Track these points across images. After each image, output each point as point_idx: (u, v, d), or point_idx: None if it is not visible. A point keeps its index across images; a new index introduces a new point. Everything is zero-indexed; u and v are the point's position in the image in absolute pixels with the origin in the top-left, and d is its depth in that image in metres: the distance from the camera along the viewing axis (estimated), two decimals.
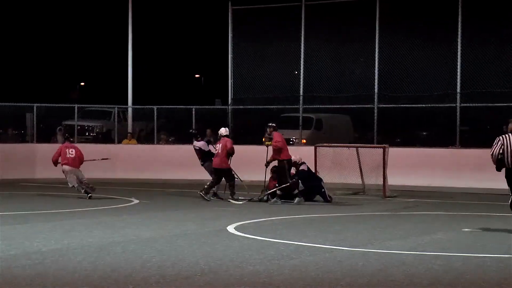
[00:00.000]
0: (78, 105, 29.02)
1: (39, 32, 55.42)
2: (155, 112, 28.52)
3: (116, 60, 38.90)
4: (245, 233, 13.12)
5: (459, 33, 24.01)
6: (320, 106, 27.44)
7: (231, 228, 13.77)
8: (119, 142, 28.50)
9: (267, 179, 19.82)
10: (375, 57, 25.18)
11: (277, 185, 19.07)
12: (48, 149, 26.37)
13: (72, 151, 20.04)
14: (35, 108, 27.50)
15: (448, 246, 11.97)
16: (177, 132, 32.15)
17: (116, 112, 31.12)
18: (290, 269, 9.89)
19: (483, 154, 22.87)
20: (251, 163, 22.68)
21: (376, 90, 25.20)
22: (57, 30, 56.22)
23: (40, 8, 55.45)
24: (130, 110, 29.79)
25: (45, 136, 28.22)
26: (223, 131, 19.84)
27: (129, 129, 29.50)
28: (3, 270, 9.63)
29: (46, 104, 28.52)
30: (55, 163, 20.05)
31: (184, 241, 12.29)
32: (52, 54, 56.58)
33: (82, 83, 63.83)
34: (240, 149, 24.68)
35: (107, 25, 51.10)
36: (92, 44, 56.61)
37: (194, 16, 54.10)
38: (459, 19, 23.95)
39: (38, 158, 25.64)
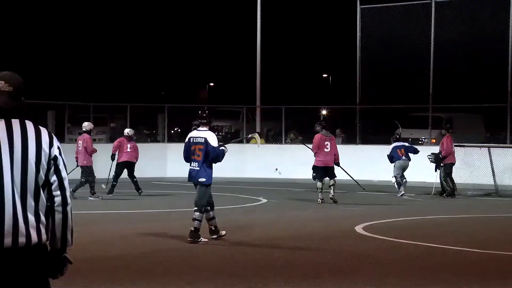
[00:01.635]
0: (208, 105, 29.49)
1: (169, 34, 56.63)
2: (283, 112, 28.66)
3: (244, 60, 39.31)
4: (373, 234, 13.00)
5: None
6: (451, 105, 26.92)
7: (359, 228, 13.67)
8: (248, 142, 28.81)
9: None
10: (508, 53, 24.48)
11: None
12: (178, 148, 26.97)
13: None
14: (166, 108, 28.11)
15: None
16: (305, 132, 32.18)
17: (244, 112, 31.46)
18: (420, 270, 9.73)
19: None
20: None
21: (509, 88, 24.50)
22: (187, 31, 57.31)
23: (171, 9, 56.64)
24: (258, 110, 30.05)
25: (176, 136, 28.82)
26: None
27: (257, 128, 29.76)
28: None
29: (177, 105, 29.13)
30: None
31: (312, 241, 12.27)
32: (182, 55, 57.73)
33: (211, 84, 64.86)
34: (367, 149, 24.63)
35: (236, 25, 51.72)
36: (221, 45, 57.45)
37: (322, 16, 54.06)
38: None
39: (169, 157, 26.20)
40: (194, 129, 12.62)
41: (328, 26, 52.44)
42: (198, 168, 11.72)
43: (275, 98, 37.67)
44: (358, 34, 27.58)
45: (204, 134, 11.79)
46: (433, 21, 25.90)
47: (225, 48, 57.22)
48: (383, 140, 28.70)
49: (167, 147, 27.16)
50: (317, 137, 18.53)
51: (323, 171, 18.53)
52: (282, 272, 9.44)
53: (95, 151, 19.01)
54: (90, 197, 18.97)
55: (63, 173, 4.25)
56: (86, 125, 19.30)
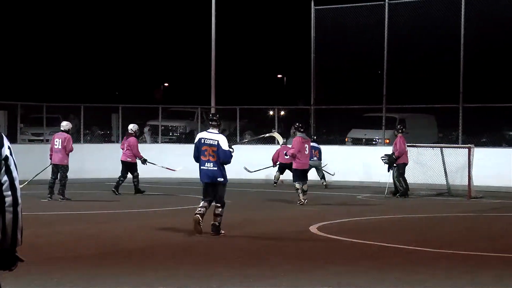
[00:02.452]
0: (162, 106, 29.37)
1: (124, 34, 56.32)
2: (238, 112, 28.66)
3: (199, 60, 39.25)
4: (327, 234, 13.07)
5: None
6: (404, 105, 27.16)
7: (313, 229, 13.73)
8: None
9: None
10: (460, 54, 24.78)
11: None
12: None
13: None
14: (120, 108, 27.95)
15: None
16: (260, 132, 32.22)
17: (199, 112, 31.39)
18: (374, 269, 9.80)
19: None
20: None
21: (461, 89, 24.79)
22: (141, 31, 57.03)
23: (124, 10, 56.35)
24: (213, 110, 30.00)
25: None
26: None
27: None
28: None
29: (131, 105, 28.96)
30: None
31: (268, 241, 12.30)
32: (137, 55, 57.43)
33: (166, 84, 64.65)
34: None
35: (190, 26, 51.62)
36: (175, 45, 57.28)
37: (276, 16, 54.18)
38: None
39: None
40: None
41: (283, 26, 52.60)
42: (215, 168, 12.45)
43: (230, 98, 37.68)
44: (313, 34, 27.68)
45: (216, 137, 12.53)
46: (386, 22, 26.09)
47: (180, 49, 57.07)
48: (337, 140, 28.90)
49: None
50: (297, 140, 18.50)
51: (302, 173, 18.50)
52: (238, 273, 9.45)
53: (72, 150, 19.10)
54: (60, 197, 18.87)
55: (14, 174, 4.22)
56: (65, 124, 19.50)
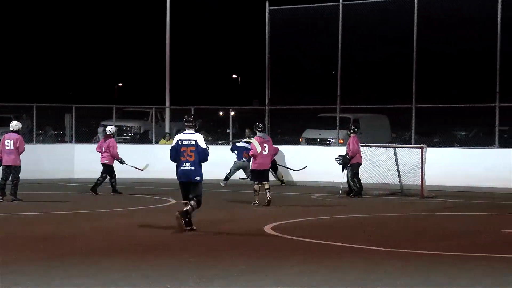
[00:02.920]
0: (116, 106, 29.18)
1: (78, 34, 55.89)
2: (193, 112, 28.59)
3: (154, 60, 39.10)
4: (282, 234, 13.12)
5: (498, 30, 23.79)
6: (358, 106, 27.35)
7: (268, 229, 13.77)
8: (157, 142, 28.64)
9: None
10: (413, 56, 25.03)
11: None
12: (87, 149, 26.61)
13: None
14: (73, 108, 27.73)
15: (488, 247, 11.87)
16: (215, 132, 32.28)
17: (153, 112, 31.25)
18: (328, 269, 9.87)
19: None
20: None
21: (414, 90, 25.04)
22: (96, 31, 56.66)
23: (80, 10, 55.91)
24: (167, 111, 29.93)
25: (84, 137, 28.44)
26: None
27: (167, 129, 29.62)
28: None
29: (85, 105, 28.75)
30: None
31: (222, 241, 12.33)
32: (91, 55, 57.04)
33: (120, 84, 64.28)
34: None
35: (145, 26, 51.40)
36: (130, 45, 56.99)
37: (231, 16, 54.20)
38: (499, 17, 23.74)
39: (77, 159, 25.85)
40: (179, 131, 13.19)
41: (238, 27, 52.63)
42: (193, 168, 13.02)
43: (185, 98, 37.59)
44: (267, 35, 27.74)
45: (193, 137, 13.06)
46: (340, 23, 26.25)
47: (134, 48, 56.79)
48: (292, 140, 28.99)
49: (74, 148, 26.78)
50: (255, 139, 18.36)
51: (259, 173, 18.27)
52: (192, 273, 9.45)
53: (24, 150, 18.88)
54: (12, 197, 18.65)
55: None
56: (14, 124, 19.17)
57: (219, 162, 24.31)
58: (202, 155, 13.06)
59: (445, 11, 25.08)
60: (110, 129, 21.50)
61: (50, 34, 54.77)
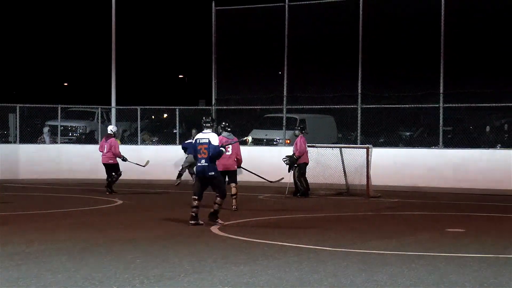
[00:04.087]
0: (62, 106, 28.89)
1: (22, 32, 55.19)
2: (139, 113, 28.46)
3: (99, 60, 38.79)
4: (229, 234, 13.13)
5: (442, 34, 24.12)
6: (304, 106, 27.48)
7: (214, 229, 13.77)
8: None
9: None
10: (358, 57, 25.25)
11: None
12: (31, 150, 26.32)
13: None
14: (18, 108, 27.40)
15: (431, 246, 12.02)
16: (160, 132, 32.12)
17: (99, 112, 31.02)
18: (274, 269, 9.90)
19: (466, 155, 23.20)
20: None
21: (359, 91, 25.27)
22: (40, 30, 56.03)
23: (24, 8, 55.22)
24: (113, 111, 29.73)
25: (29, 137, 28.11)
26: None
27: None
28: None
29: (29, 105, 28.42)
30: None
31: (168, 241, 12.29)
32: (36, 54, 56.38)
33: (65, 83, 63.64)
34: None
35: (90, 25, 50.98)
36: (75, 44, 56.45)
37: (178, 16, 54.05)
38: (442, 19, 24.06)
39: (21, 159, 25.55)
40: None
41: (185, 27, 52.49)
42: (206, 164, 14.21)
43: (131, 98, 37.35)
44: (214, 35, 27.74)
45: (207, 136, 14.30)
46: (286, 24, 26.36)
47: (80, 48, 56.27)
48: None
49: (19, 148, 26.46)
50: (221, 139, 17.77)
51: (224, 175, 17.78)
52: (138, 274, 9.40)
53: None
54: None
55: None
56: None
57: (162, 162, 24.26)
58: (212, 151, 14.12)
59: (389, 10, 25.36)
60: (111, 128, 22.29)
61: None
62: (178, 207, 18.28)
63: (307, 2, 26.51)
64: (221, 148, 14.41)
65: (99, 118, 30.59)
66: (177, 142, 26.07)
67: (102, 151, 21.85)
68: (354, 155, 22.09)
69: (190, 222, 14.19)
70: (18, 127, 27.30)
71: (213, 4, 27.62)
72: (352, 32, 25.37)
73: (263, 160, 24.80)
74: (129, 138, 31.02)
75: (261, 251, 11.36)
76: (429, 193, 22.13)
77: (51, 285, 8.79)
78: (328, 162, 22.26)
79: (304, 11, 26.51)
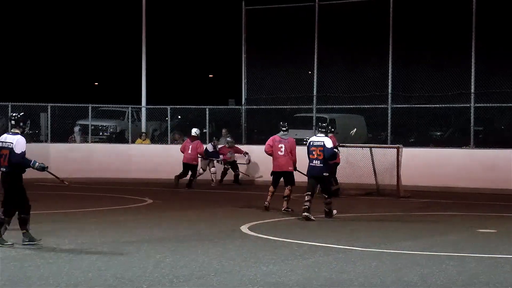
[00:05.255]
0: (92, 105, 29.04)
1: (54, 32, 55.61)
2: (169, 112, 28.54)
3: (130, 60, 38.96)
4: (258, 233, 13.13)
5: (473, 33, 23.94)
6: (334, 106, 27.39)
7: (244, 228, 13.77)
8: (133, 142, 28.55)
9: None
10: (389, 57, 25.13)
11: None
12: (62, 149, 26.49)
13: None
14: (49, 108, 27.57)
15: (462, 247, 11.94)
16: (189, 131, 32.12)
17: (129, 112, 31.13)
18: (303, 269, 9.89)
19: (498, 155, 23.00)
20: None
21: (390, 90, 25.13)
22: (71, 30, 56.41)
23: (56, 8, 55.64)
24: (143, 110, 29.84)
25: (60, 136, 28.27)
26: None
27: (143, 128, 29.53)
28: (17, 269, 9.67)
29: (60, 104, 28.59)
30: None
31: (197, 241, 12.30)
32: (66, 54, 56.76)
33: (96, 83, 64.01)
34: (254, 149, 24.85)
35: (121, 24, 51.23)
36: (106, 44, 56.75)
37: (208, 16, 54.13)
38: (473, 20, 23.89)
39: (52, 158, 25.69)
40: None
41: (215, 26, 52.56)
42: (321, 165, 15.47)
43: (161, 98, 37.45)
44: (243, 34, 27.74)
45: (322, 139, 15.57)
46: (316, 23, 26.28)
47: (110, 47, 56.56)
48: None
49: (49, 147, 26.62)
50: (270, 139, 17.46)
51: (279, 176, 17.12)
52: (167, 273, 9.42)
53: None
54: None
55: None
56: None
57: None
58: (327, 154, 15.41)
59: (419, 9, 25.25)
60: (195, 131, 23.80)
61: (29, 33, 54.48)
62: (206, 206, 18.29)
63: (337, 1, 26.44)
64: (334, 150, 15.83)
65: (130, 117, 30.69)
66: (207, 141, 26.07)
67: (183, 151, 23.52)
68: (384, 155, 21.98)
69: (303, 214, 15.18)
70: (49, 126, 27.48)
71: (243, 3, 27.62)
72: (382, 31, 25.24)
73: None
74: (160, 138, 31.12)
75: (290, 250, 11.34)
76: (459, 193, 21.97)
77: (81, 284, 8.83)
78: (358, 162, 22.18)
79: (334, 10, 26.42)
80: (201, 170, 24.23)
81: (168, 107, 28.50)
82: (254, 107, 27.71)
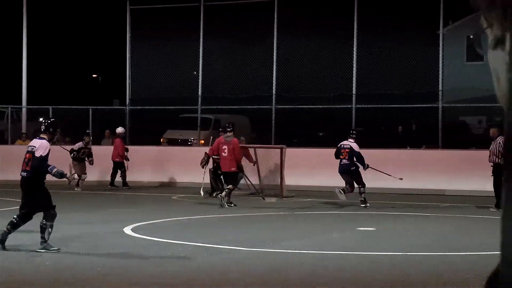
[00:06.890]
0: None
1: None
2: (50, 112, 27.97)
3: (9, 58, 38.03)
4: (142, 235, 13.00)
5: (355, 35, 24.43)
6: (219, 107, 27.46)
7: (127, 230, 13.61)
8: (13, 142, 27.86)
9: None
10: (273, 58, 25.37)
11: None
12: None
13: None
14: None
15: (344, 245, 12.14)
16: (74, 132, 31.58)
17: (9, 112, 30.39)
18: (187, 270, 9.84)
19: (378, 154, 23.52)
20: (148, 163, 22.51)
21: (274, 91, 25.39)
22: None
23: None
24: (24, 110, 29.18)
25: None
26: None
27: (23, 129, 28.85)
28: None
29: None
30: None
31: (78, 243, 12.06)
32: None
33: None
34: (135, 150, 24.61)
35: (1, 23, 49.94)
36: None
37: (92, 15, 53.38)
38: (355, 21, 24.37)
39: None
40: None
41: (99, 25, 51.89)
42: (349, 163, 18.23)
43: (43, 97, 36.69)
44: (128, 34, 27.48)
45: (348, 143, 18.30)
46: (202, 24, 26.30)
47: None
48: (153, 141, 28.76)
49: None
50: (216, 141, 18.65)
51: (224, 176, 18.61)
52: (49, 277, 9.23)
53: None
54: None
55: None
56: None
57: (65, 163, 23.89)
58: (356, 156, 18.18)
59: (304, 11, 25.55)
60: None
61: None
62: (89, 208, 17.99)
63: (222, 3, 26.54)
64: (357, 151, 18.20)
65: (10, 117, 29.97)
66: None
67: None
68: (268, 155, 22.15)
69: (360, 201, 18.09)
70: None
71: (128, 3, 27.36)
72: (267, 32, 25.49)
73: (178, 160, 24.66)
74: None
75: (174, 252, 11.25)
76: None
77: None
78: (242, 162, 22.23)
79: (218, 10, 26.51)
80: (75, 175, 23.10)
81: (50, 107, 27.95)
82: (139, 107, 27.49)
